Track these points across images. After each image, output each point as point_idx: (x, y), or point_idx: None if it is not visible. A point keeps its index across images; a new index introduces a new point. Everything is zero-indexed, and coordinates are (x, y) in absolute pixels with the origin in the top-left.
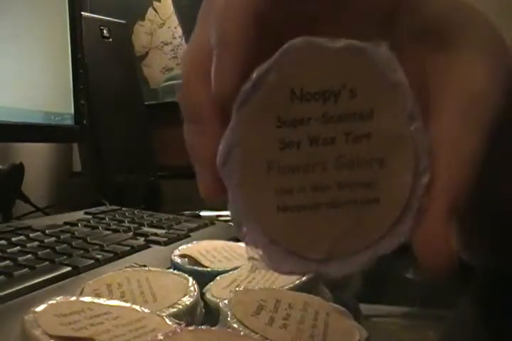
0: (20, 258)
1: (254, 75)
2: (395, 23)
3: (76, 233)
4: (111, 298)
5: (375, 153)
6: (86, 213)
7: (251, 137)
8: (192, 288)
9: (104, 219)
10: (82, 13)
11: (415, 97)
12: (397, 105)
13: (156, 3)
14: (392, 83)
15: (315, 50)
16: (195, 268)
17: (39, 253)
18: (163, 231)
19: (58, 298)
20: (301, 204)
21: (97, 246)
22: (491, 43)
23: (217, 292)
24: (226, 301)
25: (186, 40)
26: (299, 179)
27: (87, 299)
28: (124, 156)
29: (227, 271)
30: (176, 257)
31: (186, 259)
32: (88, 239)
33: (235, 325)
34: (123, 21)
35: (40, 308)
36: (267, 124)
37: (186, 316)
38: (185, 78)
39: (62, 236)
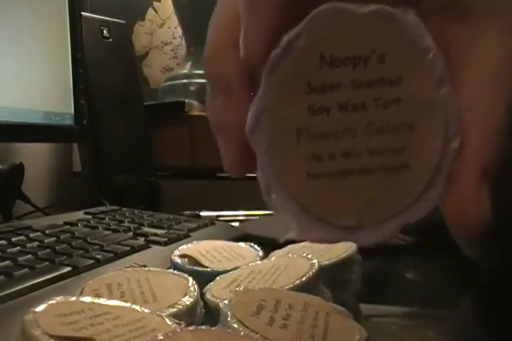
0: (20, 259)
1: (284, 41)
2: None
3: (76, 233)
4: (111, 298)
5: (405, 118)
6: (86, 213)
7: (280, 103)
8: (192, 288)
9: (104, 219)
10: (82, 13)
11: (444, 62)
12: (426, 70)
13: (156, 3)
14: (421, 48)
15: (344, 15)
16: (195, 268)
17: (39, 253)
18: (163, 231)
19: (58, 298)
20: (331, 171)
21: (97, 246)
22: None
23: (217, 292)
24: (226, 301)
25: (186, 40)
26: (328, 145)
27: (87, 299)
28: (124, 156)
29: (227, 271)
30: (175, 257)
31: (186, 259)
32: (88, 239)
33: (235, 325)
34: (123, 21)
35: (40, 308)
36: (296, 90)
37: (186, 316)
38: (211, 46)
39: (62, 236)
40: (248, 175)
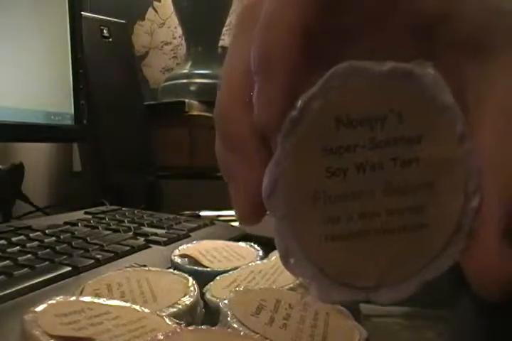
0: (20, 258)
1: (299, 103)
2: (433, 35)
3: (76, 233)
4: (111, 298)
5: (424, 177)
6: (86, 213)
7: (297, 167)
8: (192, 288)
9: (104, 219)
10: (82, 13)
11: (464, 118)
12: (446, 127)
13: (156, 3)
14: (441, 105)
15: (360, 74)
16: (195, 268)
17: (39, 253)
18: (163, 231)
19: (58, 298)
20: (349, 232)
21: (97, 246)
22: None
23: (217, 292)
24: (226, 301)
25: (186, 40)
26: (346, 207)
27: (87, 299)
28: (124, 156)
29: (227, 271)
30: (176, 257)
31: (186, 259)
32: (88, 238)
33: (235, 325)
34: (123, 21)
35: (40, 308)
36: (312, 153)
37: (186, 316)
38: (224, 102)
39: (62, 236)
40: None
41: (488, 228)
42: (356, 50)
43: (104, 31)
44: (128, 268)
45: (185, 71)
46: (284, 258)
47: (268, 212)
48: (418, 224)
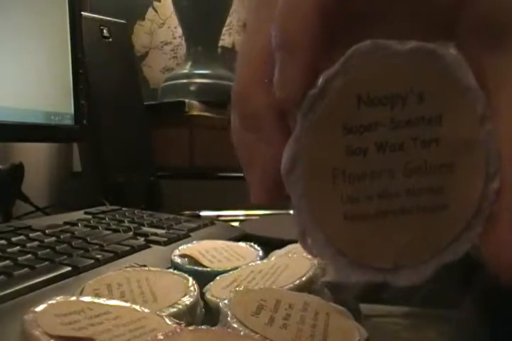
0: (20, 258)
1: (321, 81)
2: (454, 21)
3: (76, 233)
4: (111, 298)
5: (445, 158)
6: (86, 213)
7: (316, 145)
8: (192, 288)
9: (104, 219)
10: (82, 13)
11: (485, 100)
12: (468, 108)
13: (156, 3)
14: (463, 86)
15: (382, 53)
16: (195, 268)
17: (39, 253)
18: (163, 231)
19: (58, 298)
20: (367, 212)
21: (97, 246)
22: None
23: (217, 292)
24: (226, 301)
25: (186, 40)
26: (365, 187)
27: (87, 299)
28: (124, 156)
29: (227, 271)
30: (176, 257)
31: (186, 259)
32: (88, 239)
33: (235, 325)
34: (123, 21)
35: (40, 308)
36: (332, 131)
37: (186, 316)
38: (242, 79)
39: (62, 236)
40: None
41: (507, 210)
42: (377, 32)
43: (104, 31)
44: (128, 268)
45: (185, 71)
46: (302, 238)
47: (287, 190)
48: (437, 206)
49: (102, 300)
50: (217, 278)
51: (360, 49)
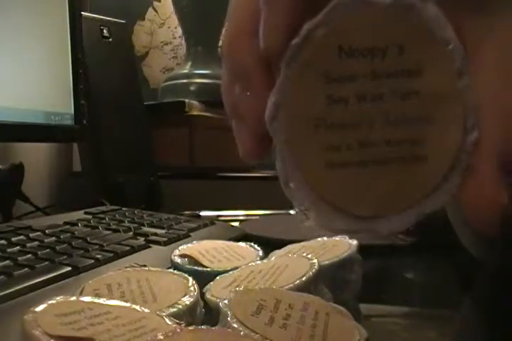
0: (20, 258)
1: (303, 31)
2: None
3: (76, 233)
4: (111, 298)
5: (423, 110)
6: (86, 213)
7: (299, 93)
8: (192, 288)
9: (104, 219)
10: (82, 13)
11: (463, 54)
12: (446, 62)
13: (156, 3)
14: (441, 40)
15: (363, 5)
16: (195, 268)
17: (39, 253)
18: (163, 231)
19: (58, 298)
20: (348, 160)
21: (97, 246)
22: None
23: (217, 292)
24: (226, 301)
25: (186, 40)
26: (346, 136)
27: (87, 299)
28: (124, 156)
29: (227, 271)
30: (176, 257)
31: (186, 259)
32: (88, 239)
33: (235, 325)
34: (123, 21)
35: (40, 308)
36: (314, 80)
37: (186, 316)
38: (231, 31)
39: (62, 236)
40: (248, 175)
41: (484, 162)
42: None
43: (104, 31)
44: (128, 268)
45: (185, 71)
46: (284, 183)
47: (271, 135)
48: (417, 157)
49: (102, 300)
50: (217, 278)
51: (343, 1)
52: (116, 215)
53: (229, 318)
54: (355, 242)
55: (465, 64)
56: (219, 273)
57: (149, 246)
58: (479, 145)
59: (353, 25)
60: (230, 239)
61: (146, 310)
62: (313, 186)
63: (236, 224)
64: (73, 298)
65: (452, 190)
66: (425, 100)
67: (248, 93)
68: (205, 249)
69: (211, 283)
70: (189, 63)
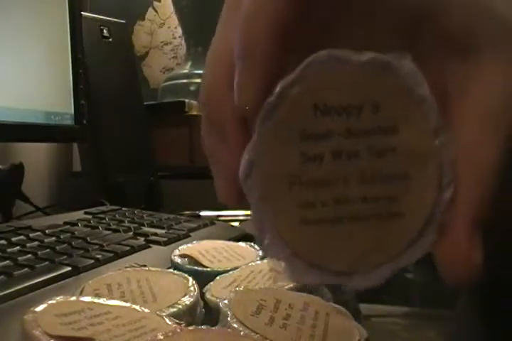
0: (20, 258)
1: (278, 89)
2: (419, 30)
3: (76, 233)
4: (111, 298)
5: (399, 168)
6: (86, 213)
7: (273, 151)
8: (192, 288)
9: (104, 219)
10: (82, 13)
11: (439, 111)
12: (422, 119)
13: (156, 3)
14: (417, 97)
15: (338, 63)
16: (195, 268)
17: (39, 253)
18: (163, 231)
19: (58, 298)
20: (323, 217)
21: (97, 246)
22: None
23: (217, 292)
24: (226, 301)
25: (186, 40)
26: (321, 193)
27: (87, 299)
28: (124, 156)
29: (227, 271)
30: (176, 257)
31: (186, 259)
32: (88, 239)
33: (235, 325)
34: (123, 21)
35: (40, 308)
36: (289, 138)
37: (186, 316)
38: (207, 86)
39: (62, 236)
40: None
41: (459, 220)
42: (337, 41)
43: (104, 31)
44: (128, 268)
45: (185, 71)
46: (259, 239)
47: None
48: (392, 213)
49: (102, 300)
50: (217, 278)
51: (317, 58)
52: (116, 215)
53: (229, 318)
54: None
55: (441, 121)
56: (219, 273)
57: (149, 246)
58: (454, 203)
59: (328, 83)
60: (230, 239)
61: (146, 310)
62: (288, 242)
63: (236, 224)
64: (73, 298)
65: (428, 246)
66: (401, 157)
67: (224, 147)
68: (205, 249)
69: (211, 283)
70: (189, 63)
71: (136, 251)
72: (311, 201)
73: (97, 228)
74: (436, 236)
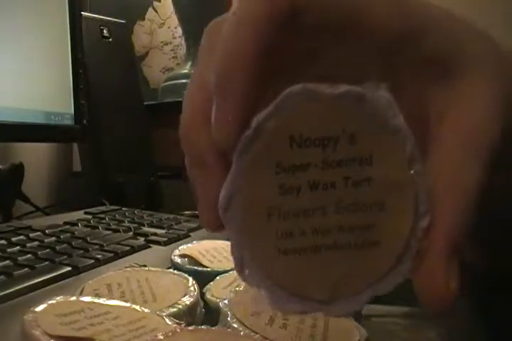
0: (20, 258)
1: (254, 123)
2: (397, 55)
3: (76, 233)
4: (111, 298)
5: (375, 197)
6: (86, 213)
7: (251, 184)
8: (192, 288)
9: (104, 219)
10: (82, 13)
11: (415, 141)
12: (397, 149)
13: (156, 3)
14: (392, 128)
15: (313, 96)
16: (195, 268)
17: (39, 253)
18: (163, 231)
19: (58, 298)
20: (302, 247)
21: (97, 246)
22: (494, 71)
23: (217, 292)
24: (226, 301)
25: (186, 40)
26: (299, 223)
27: (87, 299)
28: (124, 156)
29: (227, 271)
30: (176, 257)
31: (186, 259)
32: (88, 238)
33: (235, 325)
34: (123, 21)
35: (40, 308)
36: (266, 171)
37: (186, 316)
38: (186, 120)
39: (62, 236)
40: None
41: (435, 249)
42: (314, 70)
43: (104, 31)
44: (128, 268)
45: (185, 71)
46: (239, 269)
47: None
48: (369, 242)
49: (102, 300)
50: (217, 278)
51: (292, 92)
52: (116, 215)
53: (229, 318)
54: None
55: (416, 151)
56: (219, 273)
57: (149, 246)
58: (431, 231)
59: (303, 116)
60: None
61: (146, 310)
62: (268, 273)
63: None
64: (73, 298)
65: (405, 273)
66: (377, 187)
67: (204, 179)
68: (205, 249)
69: (211, 283)
70: (189, 63)
71: (136, 251)
72: (290, 231)
73: (97, 228)
74: (414, 264)
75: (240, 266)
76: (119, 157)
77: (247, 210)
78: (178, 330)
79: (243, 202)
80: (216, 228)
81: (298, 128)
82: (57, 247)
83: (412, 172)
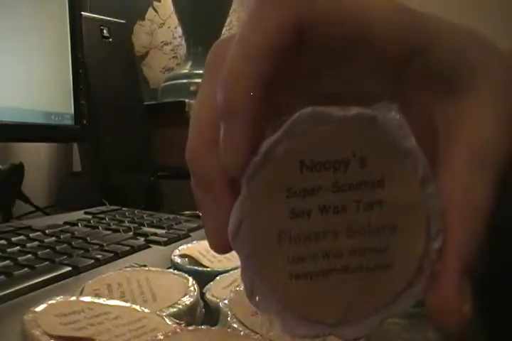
0: (20, 258)
1: (263, 149)
2: (406, 69)
3: (76, 233)
4: (111, 298)
5: (387, 220)
6: (86, 213)
7: (261, 209)
8: (192, 288)
9: (104, 219)
10: (82, 13)
11: (426, 162)
12: (409, 172)
13: (156, 3)
14: (403, 150)
15: (324, 120)
16: (195, 268)
17: (39, 253)
18: (163, 231)
19: (58, 298)
20: (313, 271)
21: (97, 246)
22: (502, 85)
23: (217, 292)
24: (226, 301)
25: (186, 40)
26: (310, 247)
27: (87, 299)
28: (124, 156)
29: (227, 271)
30: (176, 257)
31: (186, 259)
32: (88, 238)
33: (235, 325)
34: (123, 21)
35: (40, 308)
36: (276, 195)
37: (186, 316)
38: (193, 143)
39: (62, 236)
40: None
41: (448, 271)
42: (319, 87)
43: (104, 31)
44: (128, 268)
45: (185, 71)
46: (249, 295)
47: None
48: (381, 265)
49: (102, 300)
50: (217, 278)
51: (302, 116)
52: (116, 215)
53: (229, 318)
54: None
55: (428, 172)
56: (219, 273)
57: (149, 246)
58: (443, 252)
59: (314, 140)
60: None
61: (146, 310)
62: (279, 298)
63: None
64: (73, 298)
65: (417, 295)
66: (389, 210)
67: (211, 204)
68: (205, 249)
69: (211, 283)
70: (189, 63)
71: (136, 251)
72: (301, 255)
73: (97, 228)
74: (426, 286)
75: (250, 292)
76: (119, 157)
77: (257, 235)
78: (178, 330)
79: (253, 227)
80: (223, 250)
81: (308, 152)
82: (57, 247)
83: (424, 193)
